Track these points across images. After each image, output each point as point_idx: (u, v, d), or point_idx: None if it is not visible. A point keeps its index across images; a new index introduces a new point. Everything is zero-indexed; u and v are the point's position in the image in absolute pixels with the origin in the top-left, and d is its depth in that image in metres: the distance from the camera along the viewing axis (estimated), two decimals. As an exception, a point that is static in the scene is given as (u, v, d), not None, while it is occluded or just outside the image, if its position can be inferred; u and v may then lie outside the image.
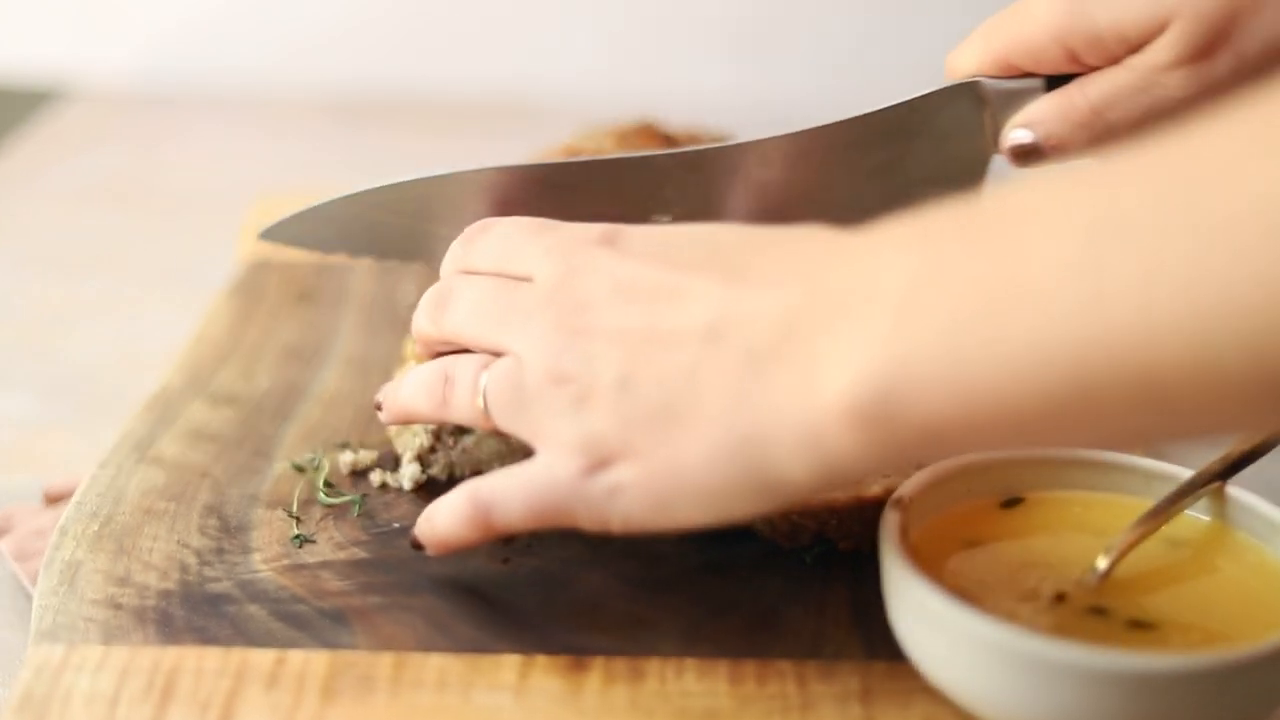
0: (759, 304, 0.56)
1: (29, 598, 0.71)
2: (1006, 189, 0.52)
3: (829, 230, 0.58)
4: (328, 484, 0.76)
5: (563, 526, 0.62)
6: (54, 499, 0.79)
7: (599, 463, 0.58)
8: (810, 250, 0.57)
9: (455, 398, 0.65)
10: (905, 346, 0.51)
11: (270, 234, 0.80)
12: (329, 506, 0.75)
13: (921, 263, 0.51)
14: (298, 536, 0.72)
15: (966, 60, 0.72)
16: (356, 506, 0.75)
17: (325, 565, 0.71)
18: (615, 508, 0.58)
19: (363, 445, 0.81)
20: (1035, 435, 0.52)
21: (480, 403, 0.63)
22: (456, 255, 0.68)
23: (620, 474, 0.58)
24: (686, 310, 0.58)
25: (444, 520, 0.64)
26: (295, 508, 0.75)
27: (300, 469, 0.78)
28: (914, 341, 0.50)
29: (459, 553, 0.66)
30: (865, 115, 0.74)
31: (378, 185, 0.76)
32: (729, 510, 0.57)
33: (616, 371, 0.58)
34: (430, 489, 0.76)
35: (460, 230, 0.69)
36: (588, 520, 0.60)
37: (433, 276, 0.70)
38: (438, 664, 0.64)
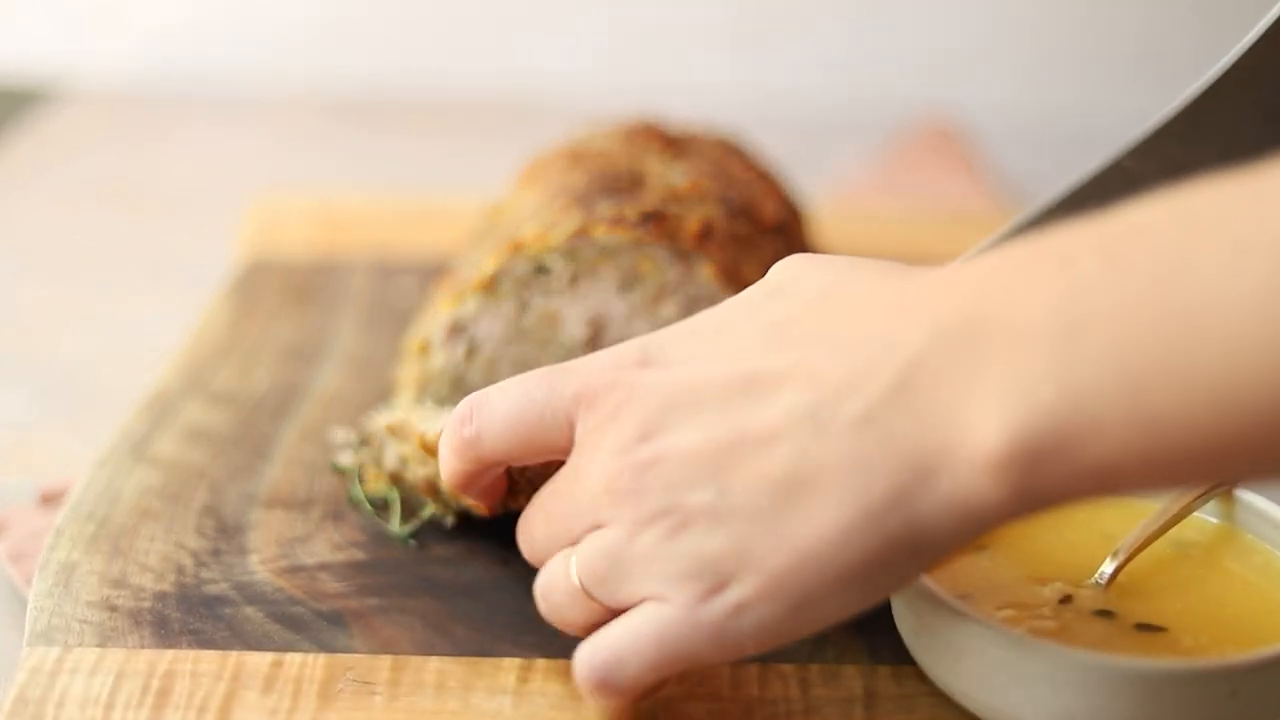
0: (858, 363, 0.51)
1: (23, 600, 0.71)
2: (1139, 206, 0.48)
3: (892, 269, 0.54)
4: (374, 504, 0.75)
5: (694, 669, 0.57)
6: (49, 499, 0.78)
7: (713, 586, 0.52)
8: (890, 294, 0.52)
9: (559, 601, 0.58)
10: (1075, 379, 0.46)
11: None
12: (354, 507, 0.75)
13: (1069, 287, 0.47)
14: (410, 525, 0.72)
15: None
16: (406, 538, 0.73)
17: (323, 567, 0.70)
18: (744, 628, 0.53)
19: (363, 444, 0.81)
20: (1222, 468, 0.47)
21: (577, 583, 0.57)
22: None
23: (740, 590, 0.52)
24: (771, 399, 0.52)
25: (590, 702, 0.57)
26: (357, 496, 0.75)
27: (341, 471, 0.78)
28: (1085, 374, 0.46)
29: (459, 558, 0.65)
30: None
31: None
32: (876, 590, 0.52)
33: (707, 485, 0.53)
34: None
35: None
36: (718, 653, 0.53)
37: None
38: (436, 667, 0.63)
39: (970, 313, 0.49)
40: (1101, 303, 0.46)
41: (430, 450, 0.69)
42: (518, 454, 0.61)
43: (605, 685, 0.55)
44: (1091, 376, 0.46)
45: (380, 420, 0.74)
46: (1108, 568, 0.61)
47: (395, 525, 0.73)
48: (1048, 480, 0.48)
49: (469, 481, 0.63)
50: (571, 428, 0.58)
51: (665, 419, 0.54)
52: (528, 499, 0.64)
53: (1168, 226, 0.47)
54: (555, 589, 0.58)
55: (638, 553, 0.54)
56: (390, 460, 0.73)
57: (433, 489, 0.71)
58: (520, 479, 0.68)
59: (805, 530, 0.51)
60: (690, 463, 0.53)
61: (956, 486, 0.49)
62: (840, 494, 0.50)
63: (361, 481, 0.76)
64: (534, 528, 0.60)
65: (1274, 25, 0.63)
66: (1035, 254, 0.49)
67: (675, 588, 0.53)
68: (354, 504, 0.75)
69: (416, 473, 0.72)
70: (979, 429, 0.48)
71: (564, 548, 0.58)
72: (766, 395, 0.53)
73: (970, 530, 0.50)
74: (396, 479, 0.73)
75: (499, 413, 0.60)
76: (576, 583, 0.57)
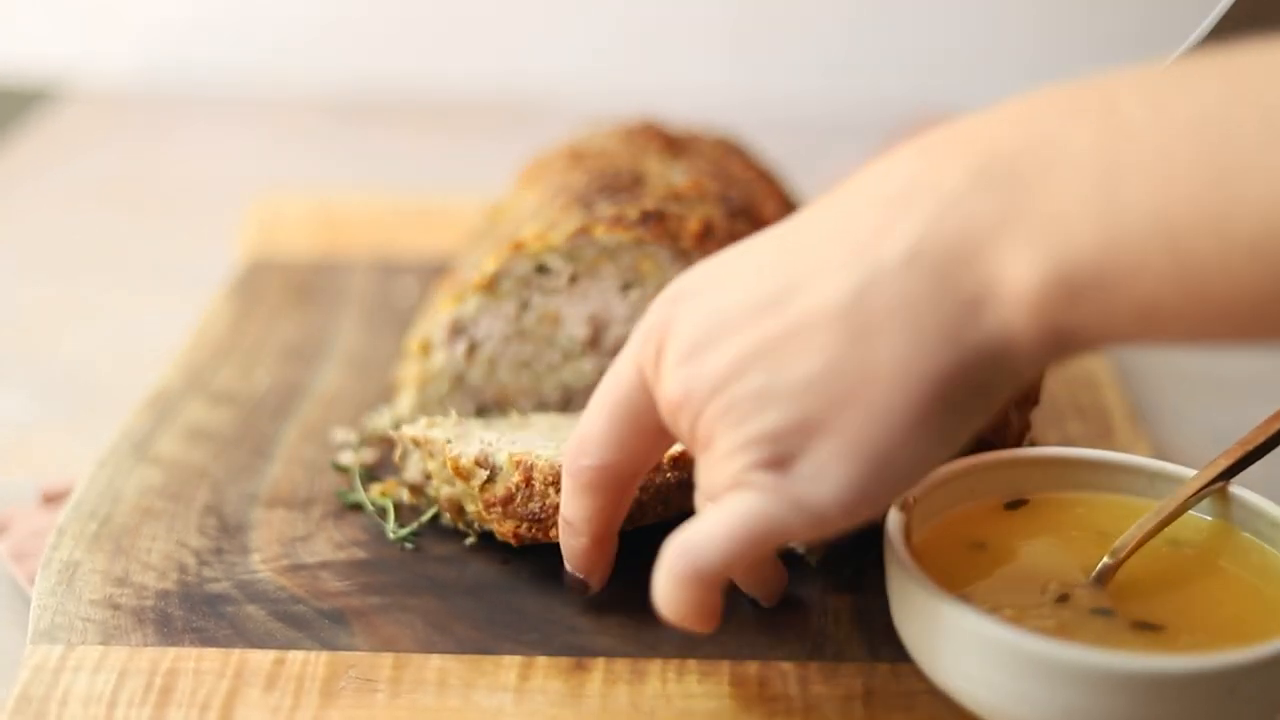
0: (896, 209, 0.51)
1: (26, 598, 0.71)
2: (1186, 58, 0.48)
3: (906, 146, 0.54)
4: (379, 509, 0.75)
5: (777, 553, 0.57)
6: (51, 499, 0.78)
7: (786, 459, 0.53)
8: (915, 149, 0.53)
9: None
10: (1114, 220, 0.46)
11: None
12: (355, 507, 0.75)
13: (1112, 130, 0.47)
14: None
15: None
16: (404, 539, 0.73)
17: (325, 565, 0.70)
18: (824, 494, 0.52)
19: (364, 444, 0.81)
20: (1257, 324, 0.47)
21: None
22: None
23: (814, 456, 0.52)
24: (817, 290, 0.52)
25: (663, 594, 0.57)
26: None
27: (342, 469, 0.78)
28: (1125, 215, 0.46)
29: (460, 560, 0.65)
30: None
31: None
32: (945, 436, 0.52)
33: (756, 372, 0.53)
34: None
35: None
36: (799, 523, 0.53)
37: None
38: (438, 665, 0.64)
39: (1010, 151, 0.50)
40: (1144, 148, 0.47)
41: (462, 475, 0.69)
42: (622, 438, 0.61)
43: (692, 570, 0.55)
44: (1131, 218, 0.46)
45: (406, 431, 0.73)
46: (1105, 566, 0.61)
47: (390, 530, 0.73)
48: (1084, 319, 0.48)
49: (602, 526, 0.63)
50: (646, 381, 0.59)
51: (707, 334, 0.55)
52: (656, 514, 0.67)
53: (1215, 82, 0.47)
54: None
55: (713, 456, 0.55)
56: (412, 472, 0.73)
57: (457, 509, 0.72)
58: (645, 494, 0.68)
59: (868, 381, 0.51)
60: (737, 360, 0.54)
61: (1000, 321, 0.49)
62: (893, 336, 0.51)
63: (365, 485, 0.76)
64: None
65: None
66: (1077, 95, 0.49)
67: (752, 472, 0.54)
68: (353, 506, 0.75)
69: (441, 490, 0.72)
70: (1018, 264, 0.49)
71: None
72: (803, 280, 0.53)
73: (1016, 372, 0.50)
74: (417, 491, 0.73)
75: (591, 412, 0.61)
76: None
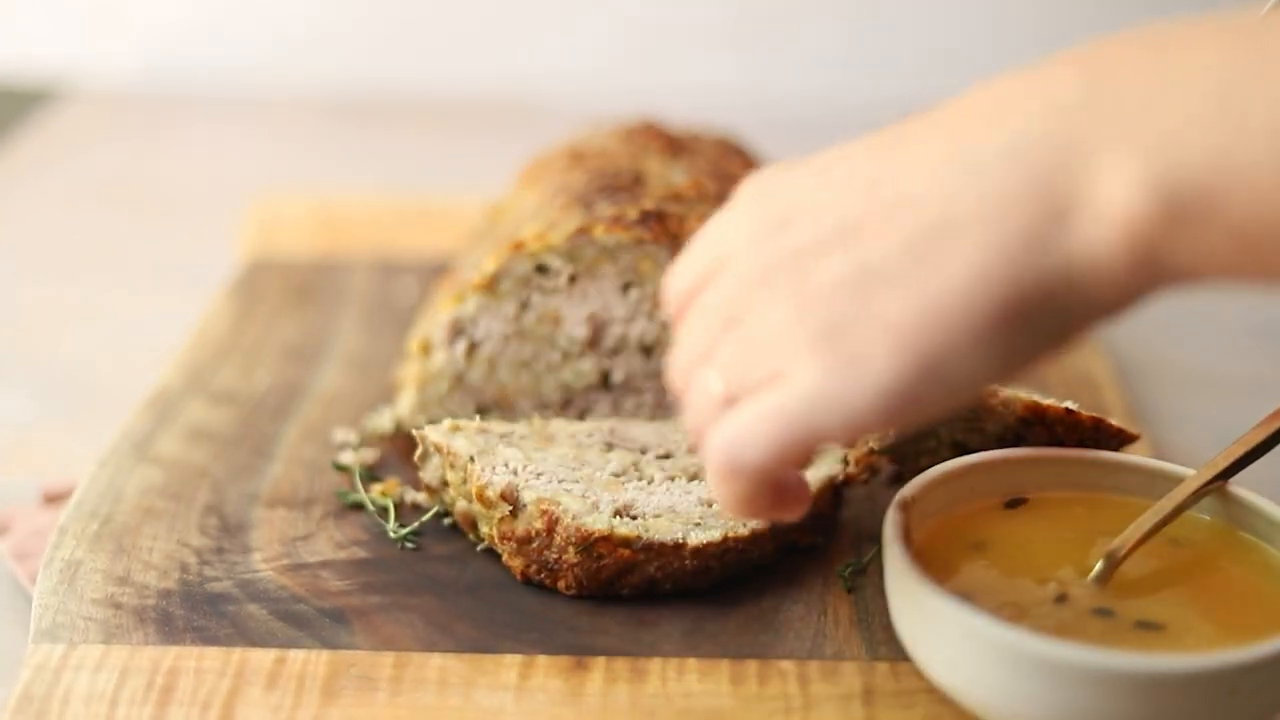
0: (1005, 109, 0.50)
1: (28, 598, 0.71)
2: None
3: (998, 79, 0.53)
4: (381, 507, 0.75)
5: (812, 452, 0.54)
6: (52, 499, 0.79)
7: (839, 349, 0.51)
8: (1029, 69, 0.51)
9: (705, 420, 0.56)
10: (1226, 139, 0.45)
11: None
12: (356, 507, 0.75)
13: (1227, 52, 0.47)
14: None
15: None
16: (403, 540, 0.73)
17: (325, 565, 0.70)
18: (868, 392, 0.50)
19: (364, 444, 0.81)
20: None
21: (719, 388, 0.55)
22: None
23: (867, 349, 0.50)
24: (910, 178, 0.51)
25: (715, 490, 0.56)
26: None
27: (343, 468, 0.78)
28: (1237, 135, 0.45)
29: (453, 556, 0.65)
30: None
31: None
32: (1005, 354, 0.50)
33: (838, 255, 0.51)
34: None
35: None
36: (840, 422, 0.51)
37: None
38: (439, 664, 0.64)
39: (1127, 67, 0.49)
40: (1258, 71, 0.46)
41: (484, 503, 0.69)
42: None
43: (733, 464, 0.54)
44: (1247, 139, 0.45)
45: (430, 435, 0.72)
46: (1104, 565, 0.61)
47: (391, 529, 0.73)
48: (1182, 244, 0.47)
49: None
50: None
51: (798, 208, 0.53)
52: (665, 590, 0.67)
53: None
54: (698, 402, 0.56)
55: (770, 331, 0.53)
56: (431, 474, 0.73)
57: (470, 523, 0.71)
58: (660, 574, 0.68)
59: (938, 278, 0.49)
60: (822, 238, 0.52)
61: (1090, 237, 0.48)
62: (976, 234, 0.49)
63: (365, 484, 0.76)
64: (677, 349, 0.58)
65: None
66: (1204, 23, 0.49)
67: (803, 357, 0.51)
68: (353, 505, 0.75)
69: (457, 502, 0.71)
70: (1119, 178, 0.47)
71: (702, 366, 0.56)
72: (900, 168, 0.52)
73: (1098, 298, 0.49)
74: (432, 491, 0.73)
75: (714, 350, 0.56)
76: (718, 388, 0.55)
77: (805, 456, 0.54)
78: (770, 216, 0.54)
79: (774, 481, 0.55)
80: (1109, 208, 0.48)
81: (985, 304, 0.49)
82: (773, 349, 0.52)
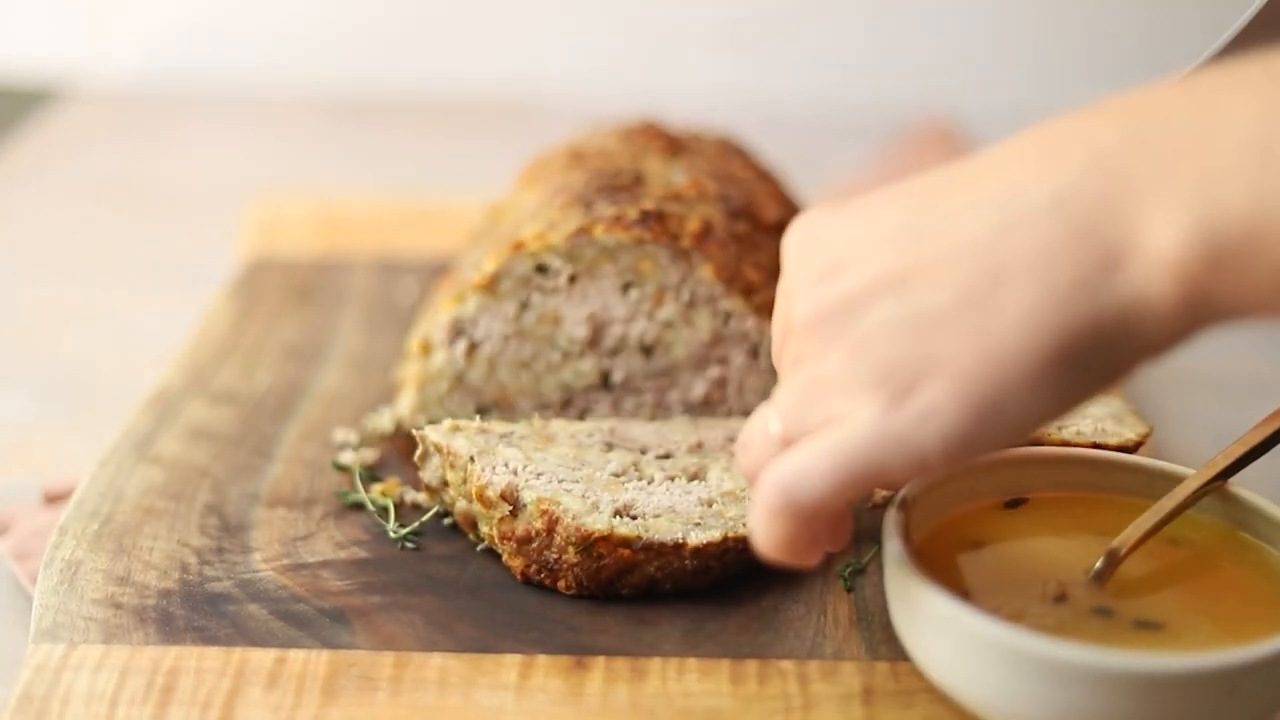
0: (1049, 160, 0.51)
1: (28, 598, 0.71)
2: None
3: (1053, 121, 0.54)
4: (381, 508, 0.75)
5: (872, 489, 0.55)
6: (53, 499, 0.79)
7: (899, 392, 0.52)
8: (1073, 114, 0.53)
9: (758, 454, 0.58)
10: (1270, 184, 0.46)
11: None
12: (356, 506, 0.75)
13: (1273, 100, 0.48)
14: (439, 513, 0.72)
15: None
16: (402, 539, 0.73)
17: (326, 565, 0.71)
18: (929, 434, 0.52)
19: (364, 444, 0.81)
20: None
21: (778, 428, 0.56)
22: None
23: (927, 393, 0.52)
24: (957, 226, 0.52)
25: (759, 529, 0.56)
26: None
27: (343, 468, 0.78)
28: (1278, 178, 0.47)
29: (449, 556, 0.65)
30: None
31: None
32: (1063, 394, 0.51)
33: (889, 300, 0.53)
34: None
35: None
36: (901, 463, 0.52)
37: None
38: (439, 664, 0.64)
39: (1169, 115, 0.50)
40: None
41: (485, 503, 0.69)
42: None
43: (789, 503, 0.54)
44: None
45: (430, 435, 0.72)
46: (1104, 566, 0.61)
47: (391, 529, 0.73)
48: (1227, 285, 0.48)
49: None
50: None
51: (848, 254, 0.55)
52: (665, 590, 0.67)
53: None
54: (754, 441, 0.57)
55: (827, 375, 0.54)
56: (431, 474, 0.73)
57: (470, 523, 0.71)
58: (661, 574, 0.68)
59: (994, 323, 0.51)
60: (873, 284, 0.53)
61: (1138, 281, 0.49)
62: (1028, 281, 0.50)
63: (365, 484, 0.76)
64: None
65: None
66: (1242, 70, 0.49)
67: (861, 399, 0.53)
68: (353, 505, 0.75)
69: (457, 502, 0.71)
70: (1165, 224, 0.49)
71: (762, 408, 0.57)
72: (945, 215, 0.53)
73: (1148, 339, 0.50)
74: (432, 491, 0.73)
75: (774, 402, 0.58)
76: (776, 428, 0.56)
77: (861, 495, 0.55)
78: (819, 264, 0.56)
79: (826, 519, 0.56)
80: (1157, 255, 0.49)
81: (1040, 348, 0.51)
82: (831, 390, 0.54)
